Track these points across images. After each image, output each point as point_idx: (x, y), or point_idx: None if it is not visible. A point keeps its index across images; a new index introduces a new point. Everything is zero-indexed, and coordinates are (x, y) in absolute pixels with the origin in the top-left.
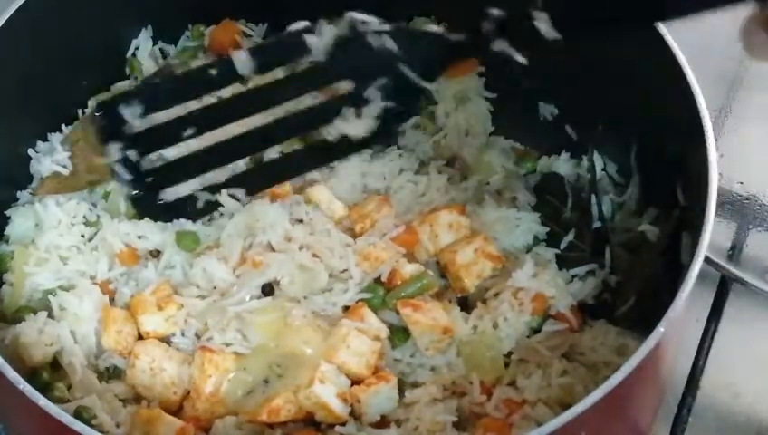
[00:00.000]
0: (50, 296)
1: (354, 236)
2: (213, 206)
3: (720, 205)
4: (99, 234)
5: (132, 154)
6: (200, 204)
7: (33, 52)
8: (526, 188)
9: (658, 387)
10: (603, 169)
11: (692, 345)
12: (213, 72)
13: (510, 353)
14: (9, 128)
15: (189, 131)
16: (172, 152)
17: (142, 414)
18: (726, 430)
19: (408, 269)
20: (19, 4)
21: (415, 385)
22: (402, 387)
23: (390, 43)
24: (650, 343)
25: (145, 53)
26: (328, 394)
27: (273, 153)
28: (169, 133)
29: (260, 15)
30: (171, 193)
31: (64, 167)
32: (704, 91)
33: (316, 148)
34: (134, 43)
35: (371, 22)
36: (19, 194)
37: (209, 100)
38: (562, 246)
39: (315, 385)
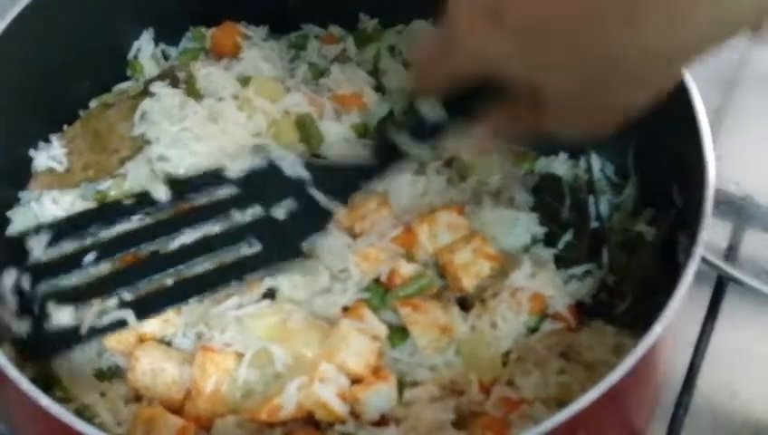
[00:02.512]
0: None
1: (353, 236)
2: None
3: (716, 205)
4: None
5: (25, 282)
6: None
7: (35, 53)
8: (524, 189)
9: (655, 386)
10: (601, 170)
11: (689, 345)
12: (129, 202)
13: (508, 353)
14: (11, 128)
15: (90, 258)
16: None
17: (144, 413)
18: (723, 429)
19: (408, 269)
20: (22, 6)
21: (414, 384)
22: (401, 386)
23: (304, 173)
24: (647, 342)
25: (147, 54)
26: (328, 393)
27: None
28: (70, 262)
29: (261, 17)
30: (60, 317)
31: (60, 163)
32: (701, 91)
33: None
34: (135, 44)
35: (288, 157)
36: (21, 195)
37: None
38: (560, 246)
39: (315, 385)
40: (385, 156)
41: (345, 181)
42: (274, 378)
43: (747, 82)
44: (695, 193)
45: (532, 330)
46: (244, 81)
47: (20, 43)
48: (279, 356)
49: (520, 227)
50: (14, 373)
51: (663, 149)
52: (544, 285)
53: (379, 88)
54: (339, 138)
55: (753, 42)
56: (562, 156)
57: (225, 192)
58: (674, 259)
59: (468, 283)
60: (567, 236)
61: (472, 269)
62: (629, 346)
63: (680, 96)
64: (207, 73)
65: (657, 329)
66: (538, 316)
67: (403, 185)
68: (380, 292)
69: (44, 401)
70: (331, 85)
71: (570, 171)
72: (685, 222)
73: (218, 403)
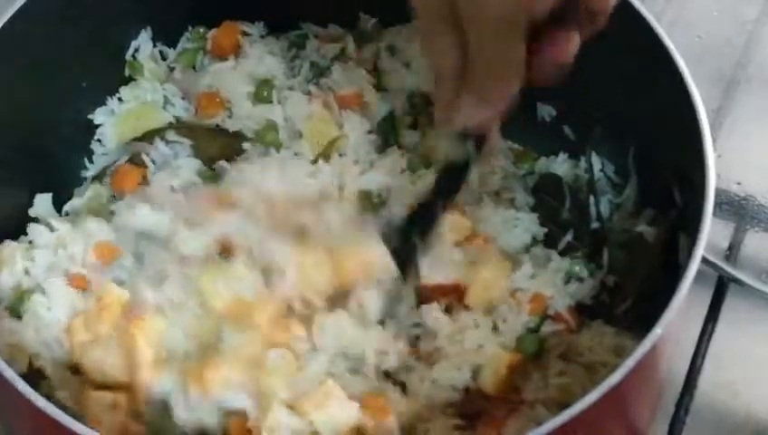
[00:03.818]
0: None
1: None
2: None
3: (718, 205)
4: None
5: None
6: None
7: (31, 54)
8: (524, 189)
9: (656, 387)
10: (602, 170)
11: (690, 346)
12: None
13: None
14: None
15: None
16: None
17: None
18: (724, 430)
19: None
20: (18, 7)
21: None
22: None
23: None
24: (647, 344)
25: (145, 54)
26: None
27: None
28: None
29: (259, 16)
30: None
31: None
32: (701, 91)
33: None
34: (133, 44)
35: None
36: None
37: None
38: (560, 246)
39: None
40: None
41: None
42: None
43: (748, 83)
44: (696, 193)
45: (533, 331)
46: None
47: (15, 44)
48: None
49: (520, 227)
50: (9, 372)
51: (664, 150)
52: (544, 286)
53: (380, 87)
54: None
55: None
56: (562, 156)
57: None
58: (675, 260)
59: None
60: (567, 237)
61: None
62: (630, 347)
63: (681, 96)
64: (217, 70)
65: (658, 330)
66: (538, 317)
67: (403, 184)
68: None
69: (41, 401)
70: (332, 85)
71: (570, 171)
72: (686, 222)
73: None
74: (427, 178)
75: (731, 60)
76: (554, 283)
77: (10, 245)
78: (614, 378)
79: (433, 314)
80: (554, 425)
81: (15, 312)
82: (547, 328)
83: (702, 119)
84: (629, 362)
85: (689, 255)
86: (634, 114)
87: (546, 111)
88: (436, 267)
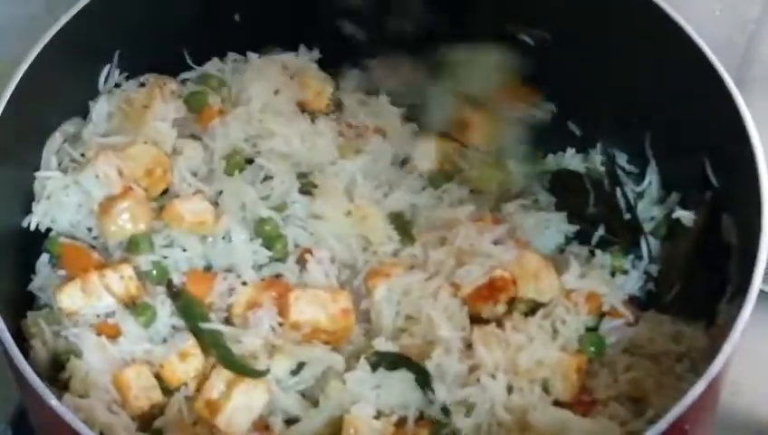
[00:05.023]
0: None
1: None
2: None
3: None
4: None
5: None
6: None
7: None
8: (544, 189)
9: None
10: (613, 162)
11: None
12: None
13: None
14: None
15: None
16: None
17: None
18: (726, 428)
19: None
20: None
21: None
22: None
23: None
24: (731, 343)
25: None
26: None
27: None
28: None
29: None
30: None
31: None
32: None
33: None
34: None
35: None
36: None
37: None
38: (594, 241)
39: None
40: None
41: None
42: None
43: (750, 82)
44: (735, 171)
45: (591, 329)
46: None
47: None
48: None
49: (551, 227)
50: (29, 372)
51: (687, 131)
52: (596, 283)
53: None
54: None
55: None
56: (570, 151)
57: None
58: (717, 240)
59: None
60: (600, 231)
61: None
62: (687, 333)
63: (701, 73)
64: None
65: (737, 332)
66: (596, 315)
67: (428, 200)
68: None
69: (53, 401)
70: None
71: (580, 166)
72: (727, 202)
73: None
74: (453, 192)
75: (733, 59)
76: (604, 279)
77: (32, 314)
78: (715, 368)
79: (480, 349)
80: (669, 420)
81: (60, 382)
82: (607, 325)
83: (732, 89)
84: (721, 358)
85: (746, 281)
86: (645, 98)
87: (546, 109)
88: (472, 273)
